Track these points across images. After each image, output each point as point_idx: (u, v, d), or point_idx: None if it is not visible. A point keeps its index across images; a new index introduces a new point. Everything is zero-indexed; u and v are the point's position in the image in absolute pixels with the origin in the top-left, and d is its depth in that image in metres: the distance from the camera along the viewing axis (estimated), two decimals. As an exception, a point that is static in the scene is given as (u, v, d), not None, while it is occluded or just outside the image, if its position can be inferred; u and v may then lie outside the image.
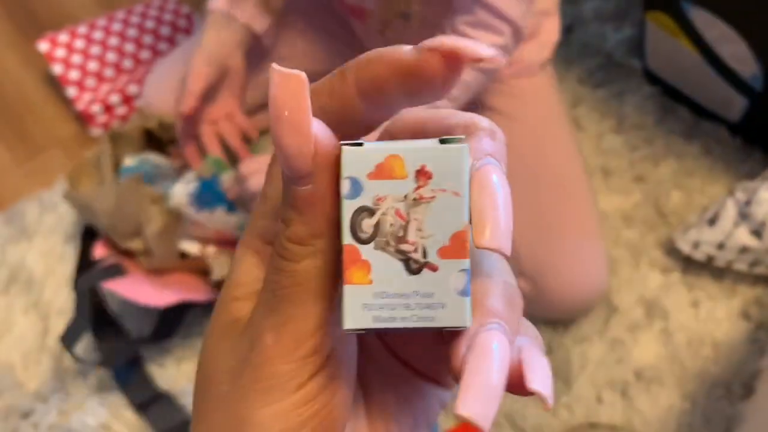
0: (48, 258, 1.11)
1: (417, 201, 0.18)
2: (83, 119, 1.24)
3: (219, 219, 0.95)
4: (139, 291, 0.90)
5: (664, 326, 1.00)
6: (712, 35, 1.03)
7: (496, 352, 0.18)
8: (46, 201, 1.16)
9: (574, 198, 0.96)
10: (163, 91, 1.06)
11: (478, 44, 0.19)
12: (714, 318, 1.00)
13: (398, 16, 0.89)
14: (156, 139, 1.05)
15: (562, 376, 0.97)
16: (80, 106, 1.22)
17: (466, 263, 0.18)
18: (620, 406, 0.95)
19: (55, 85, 1.27)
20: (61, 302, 1.07)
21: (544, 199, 0.95)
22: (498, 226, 0.18)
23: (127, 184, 0.94)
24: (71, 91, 1.22)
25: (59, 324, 1.04)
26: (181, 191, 0.95)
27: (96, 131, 1.24)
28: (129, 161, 1.01)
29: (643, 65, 1.20)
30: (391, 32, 0.93)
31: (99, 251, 0.97)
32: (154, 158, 1.02)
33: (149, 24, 1.29)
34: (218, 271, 0.91)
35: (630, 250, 1.06)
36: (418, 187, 0.18)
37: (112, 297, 0.98)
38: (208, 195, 0.96)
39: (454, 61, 0.19)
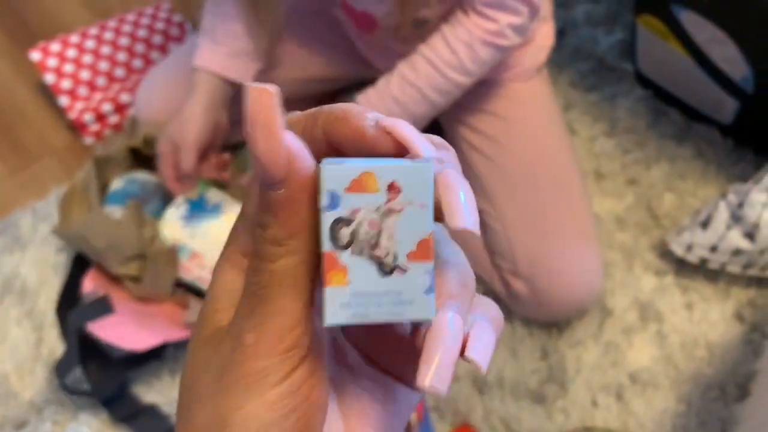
0: (42, 268, 1.11)
1: (388, 212, 0.21)
2: (76, 128, 1.24)
3: (208, 235, 0.99)
4: (123, 333, 0.93)
5: (659, 329, 1.00)
6: (703, 38, 1.04)
7: (449, 330, 0.21)
8: (39, 211, 1.16)
9: (570, 199, 0.96)
10: (156, 100, 1.06)
11: (423, 142, 0.21)
12: (708, 320, 1.00)
13: (411, 24, 0.89)
14: (142, 155, 1.06)
15: (557, 381, 0.97)
16: (73, 115, 1.22)
17: (431, 265, 0.21)
18: (615, 409, 0.95)
19: (48, 94, 1.27)
20: (54, 312, 1.06)
21: (541, 200, 0.95)
22: (466, 212, 0.21)
23: (129, 211, 0.98)
24: (63, 100, 1.22)
25: (53, 334, 1.04)
26: (174, 216, 0.99)
27: (89, 140, 1.23)
28: (116, 183, 1.03)
29: (635, 68, 1.21)
30: (398, 43, 0.93)
31: (88, 285, 0.99)
32: (140, 177, 1.05)
33: (141, 33, 1.29)
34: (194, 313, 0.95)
35: (623, 253, 1.06)
36: (389, 200, 0.21)
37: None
38: (197, 213, 1.00)
39: (402, 147, 0.21)
